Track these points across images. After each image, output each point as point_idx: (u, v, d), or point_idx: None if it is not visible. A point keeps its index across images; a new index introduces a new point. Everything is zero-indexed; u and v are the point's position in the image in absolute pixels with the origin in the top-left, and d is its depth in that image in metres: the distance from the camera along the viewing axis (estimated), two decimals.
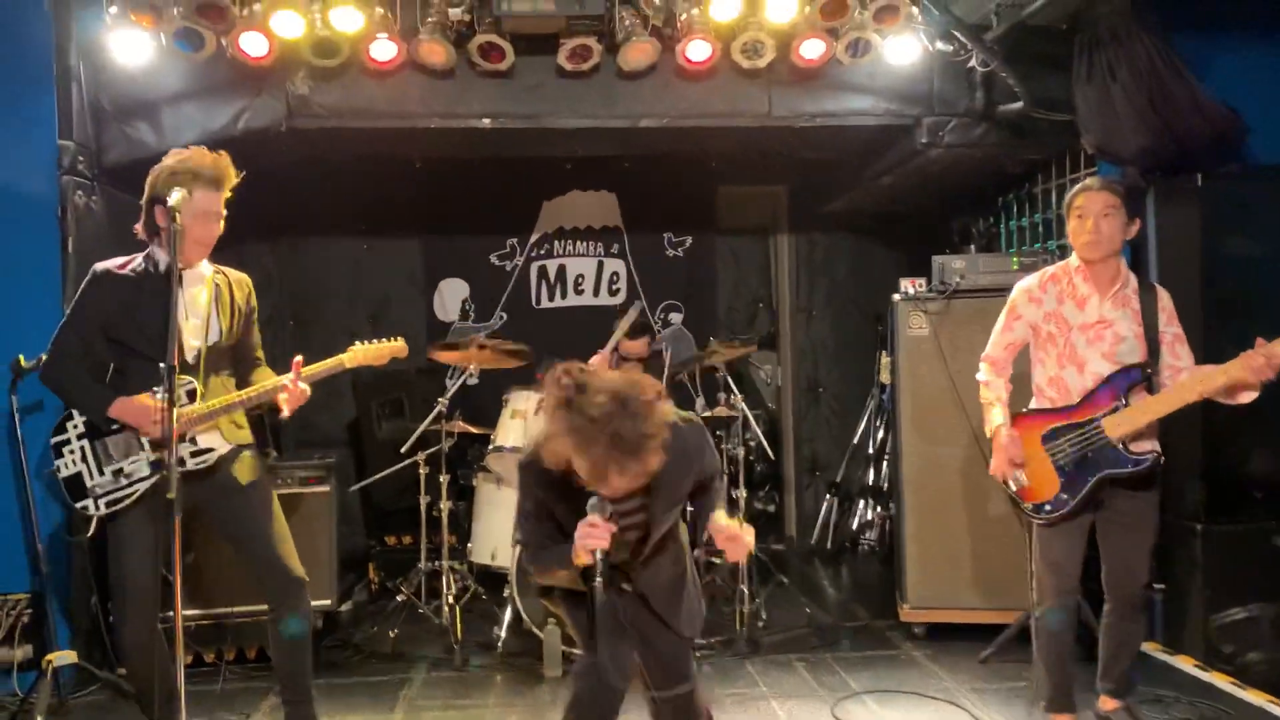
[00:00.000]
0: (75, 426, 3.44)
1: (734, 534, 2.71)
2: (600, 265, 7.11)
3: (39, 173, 4.37)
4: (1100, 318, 3.49)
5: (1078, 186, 3.55)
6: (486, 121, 4.83)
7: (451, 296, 7.02)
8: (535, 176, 6.83)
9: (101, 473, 3.40)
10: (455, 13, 4.45)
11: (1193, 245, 4.48)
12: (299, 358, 3.54)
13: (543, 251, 7.09)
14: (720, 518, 2.79)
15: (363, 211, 6.84)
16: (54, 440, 3.45)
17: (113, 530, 3.43)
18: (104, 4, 4.29)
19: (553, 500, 2.69)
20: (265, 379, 3.61)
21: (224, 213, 3.48)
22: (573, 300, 7.10)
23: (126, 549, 3.38)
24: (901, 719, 3.94)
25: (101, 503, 3.39)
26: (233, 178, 3.48)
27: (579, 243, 7.08)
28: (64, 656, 4.08)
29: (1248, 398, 3.29)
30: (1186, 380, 3.34)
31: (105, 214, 4.59)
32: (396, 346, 3.83)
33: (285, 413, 3.53)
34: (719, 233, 7.33)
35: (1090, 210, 3.45)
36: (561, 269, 7.10)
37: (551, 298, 7.10)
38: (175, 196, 3.19)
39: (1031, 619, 3.67)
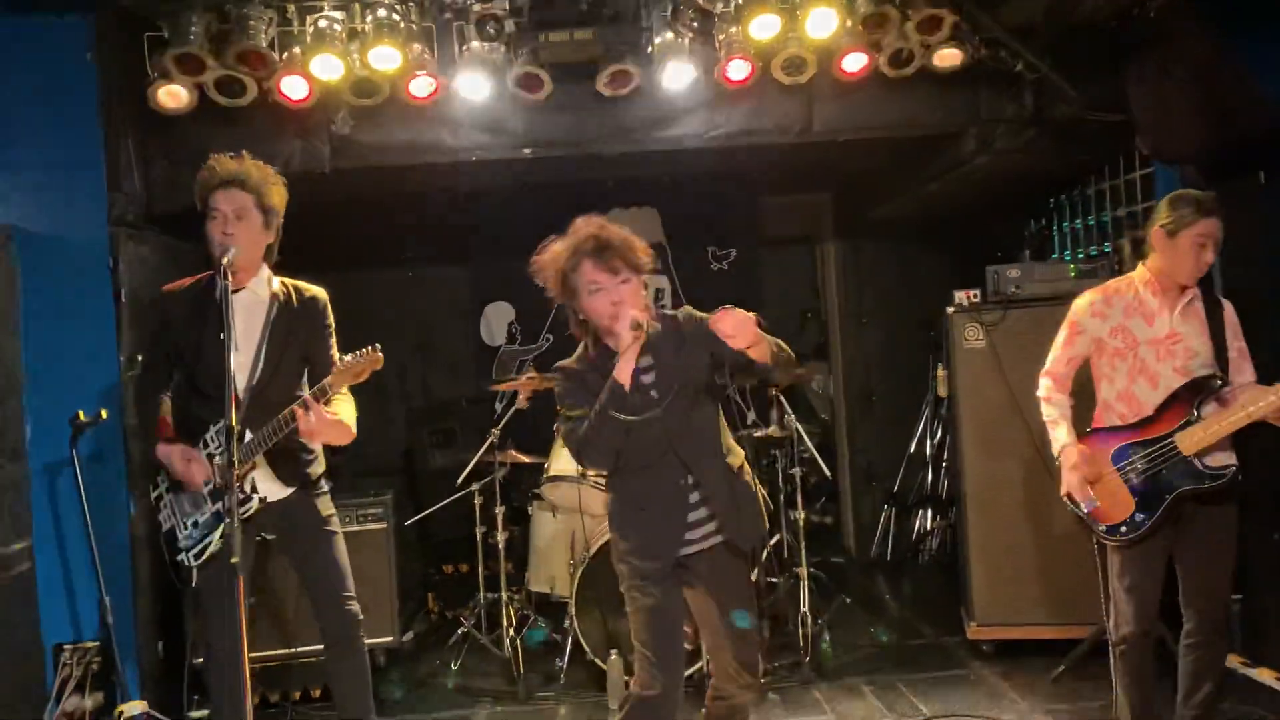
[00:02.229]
0: (164, 480, 3.50)
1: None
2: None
3: (90, 225, 4.40)
4: (1171, 331, 3.38)
5: (1193, 209, 3.31)
6: (528, 152, 4.81)
7: (498, 320, 7.02)
8: (576, 196, 6.79)
9: (185, 526, 3.44)
10: (492, 45, 4.43)
11: (1258, 247, 4.34)
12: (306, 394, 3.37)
13: None
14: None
15: (407, 241, 6.86)
16: (153, 495, 3.54)
17: (199, 578, 3.43)
18: (147, 55, 4.33)
19: (597, 379, 3.00)
20: (344, 402, 3.46)
21: (255, 211, 3.38)
22: None
23: (209, 599, 3.40)
24: None
25: (191, 555, 3.41)
26: (257, 174, 3.41)
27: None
28: (134, 706, 4.11)
29: None
30: (1258, 397, 3.21)
31: (157, 262, 4.63)
32: (372, 358, 3.25)
33: (306, 437, 3.40)
34: (763, 244, 7.25)
35: (1213, 237, 3.32)
36: None
37: None
38: (229, 254, 3.19)
39: (1110, 646, 3.54)
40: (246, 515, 3.32)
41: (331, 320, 3.62)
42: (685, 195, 6.87)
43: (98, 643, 4.28)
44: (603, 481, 4.72)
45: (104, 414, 4.06)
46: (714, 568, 3.10)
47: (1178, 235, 3.33)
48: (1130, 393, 3.44)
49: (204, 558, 3.36)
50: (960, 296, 4.86)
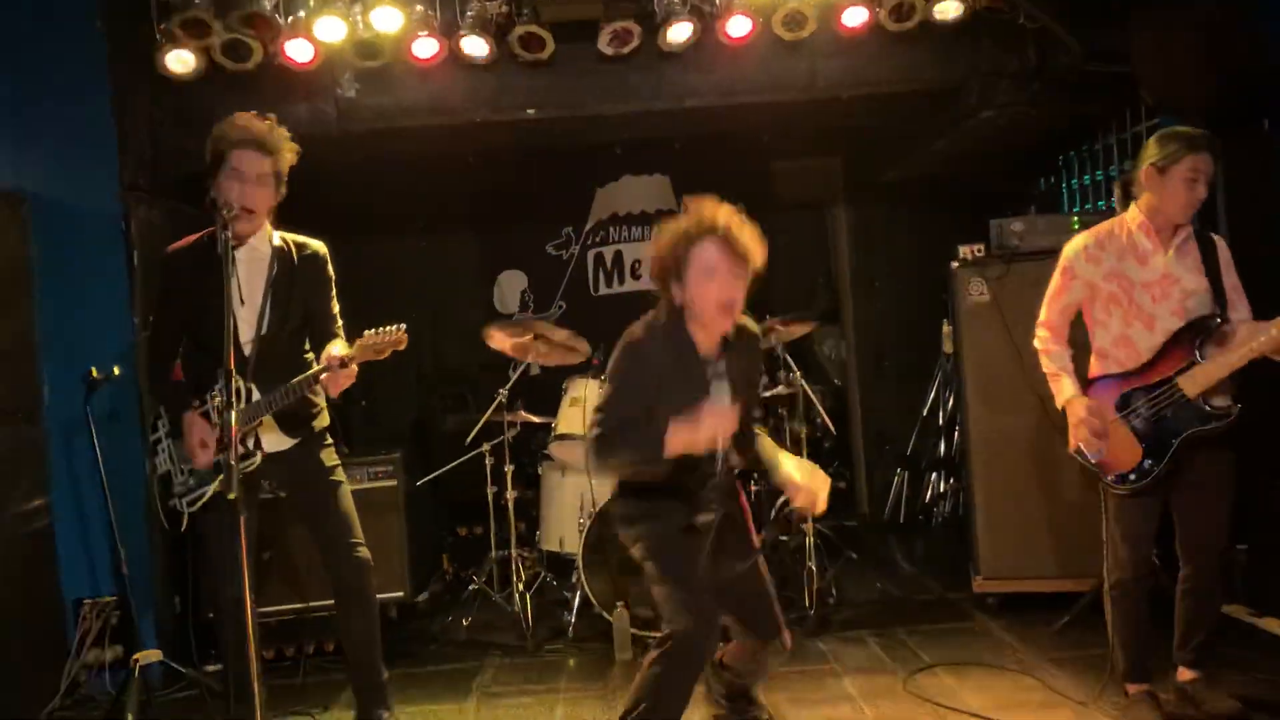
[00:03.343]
0: (164, 425, 3.56)
1: (800, 484, 2.94)
2: None
3: (102, 190, 4.53)
4: (1166, 273, 3.36)
5: (1182, 144, 3.29)
6: (532, 112, 4.84)
7: (510, 288, 7.10)
8: (587, 164, 6.85)
9: (182, 472, 3.51)
10: (494, 5, 4.46)
11: (1264, 195, 4.32)
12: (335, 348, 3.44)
13: (598, 239, 7.11)
14: (787, 466, 3.02)
15: (420, 209, 6.92)
16: (151, 438, 3.61)
17: (201, 524, 3.52)
18: (154, 21, 4.39)
19: (668, 366, 2.96)
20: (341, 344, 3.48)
21: (267, 174, 3.41)
22: (630, 286, 7.10)
23: (212, 544, 3.48)
24: (975, 691, 3.87)
25: (184, 501, 3.49)
26: (277, 140, 3.44)
27: (633, 228, 7.09)
28: (150, 655, 4.21)
29: None
30: (1258, 333, 3.19)
31: (168, 226, 4.70)
32: (397, 337, 3.31)
33: (332, 393, 3.45)
34: (774, 209, 7.22)
35: (1204, 173, 3.30)
36: (618, 255, 7.11)
37: (609, 284, 7.11)
38: (232, 211, 3.20)
39: (1105, 589, 3.54)
40: (249, 470, 3.42)
41: (331, 274, 3.66)
42: (695, 161, 6.88)
43: (116, 597, 4.39)
44: None
45: (116, 371, 4.16)
46: (715, 536, 3.15)
47: (1168, 171, 3.30)
48: (1126, 337, 3.42)
49: (199, 505, 3.44)
50: (964, 251, 4.86)
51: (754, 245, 2.97)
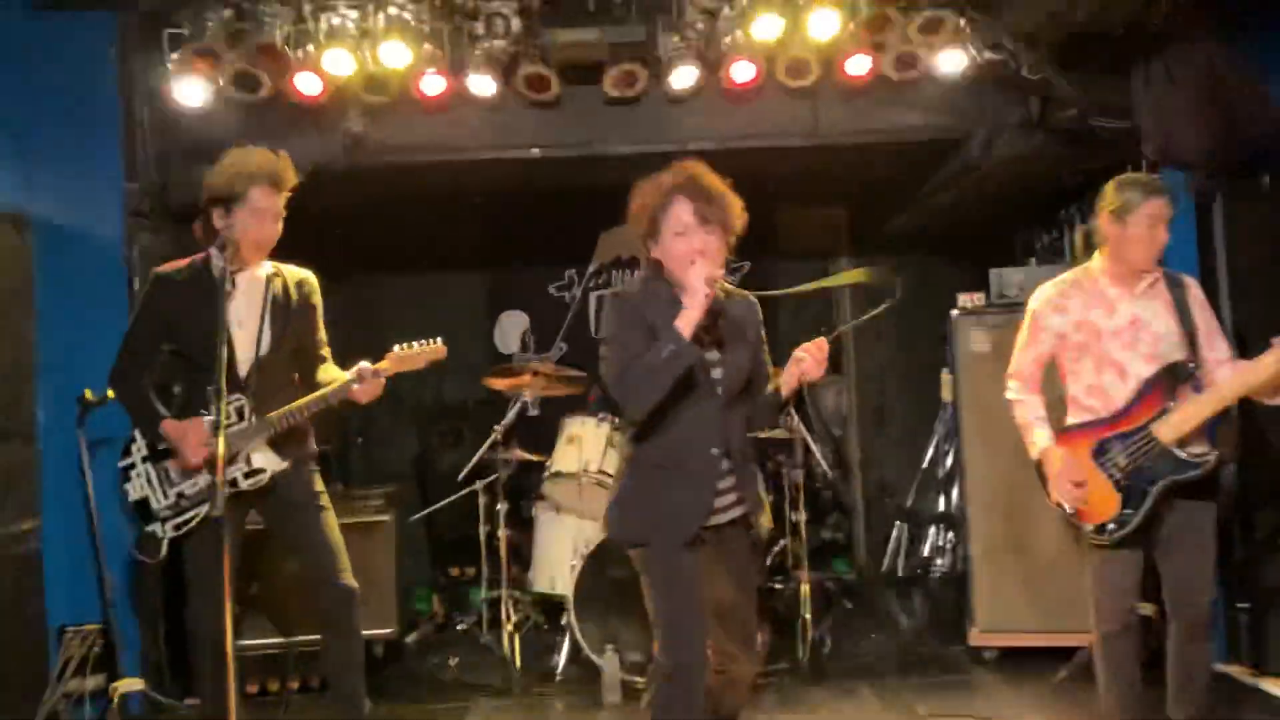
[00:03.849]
0: (139, 449, 3.52)
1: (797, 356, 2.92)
2: None
3: (106, 215, 4.56)
4: (1133, 318, 3.32)
5: (1139, 190, 3.29)
6: (536, 151, 4.89)
7: (512, 329, 7.11)
8: (591, 207, 6.80)
9: (166, 496, 3.47)
10: (501, 44, 4.51)
11: (1264, 250, 4.32)
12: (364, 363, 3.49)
13: (601, 281, 7.14)
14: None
15: (424, 248, 6.92)
16: (121, 464, 3.54)
17: (185, 552, 3.47)
18: (165, 51, 4.45)
19: (654, 311, 2.93)
20: (331, 378, 3.54)
21: (282, 213, 3.48)
22: None
23: (196, 571, 3.44)
24: None
25: (168, 526, 3.44)
26: (291, 178, 3.48)
27: (636, 272, 7.10)
28: (130, 684, 4.16)
29: None
30: (1230, 377, 3.18)
31: (171, 254, 4.68)
32: (435, 349, 3.57)
33: (362, 401, 3.50)
34: (778, 257, 7.26)
35: (1164, 218, 3.28)
36: None
37: None
38: (232, 232, 3.26)
39: (1092, 643, 3.46)
40: (258, 486, 3.45)
41: (320, 301, 3.70)
42: None
43: (100, 625, 4.34)
44: (606, 477, 4.79)
45: (110, 393, 4.14)
46: (724, 540, 3.05)
47: (1127, 218, 3.27)
48: (1098, 386, 3.37)
49: (185, 529, 3.41)
50: (964, 300, 4.86)
51: (729, 206, 3.00)
